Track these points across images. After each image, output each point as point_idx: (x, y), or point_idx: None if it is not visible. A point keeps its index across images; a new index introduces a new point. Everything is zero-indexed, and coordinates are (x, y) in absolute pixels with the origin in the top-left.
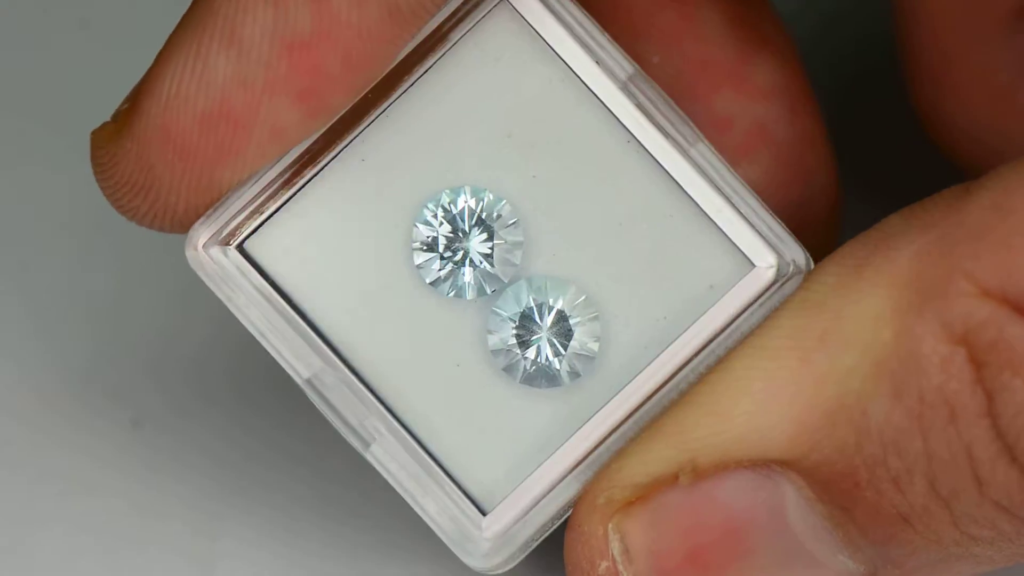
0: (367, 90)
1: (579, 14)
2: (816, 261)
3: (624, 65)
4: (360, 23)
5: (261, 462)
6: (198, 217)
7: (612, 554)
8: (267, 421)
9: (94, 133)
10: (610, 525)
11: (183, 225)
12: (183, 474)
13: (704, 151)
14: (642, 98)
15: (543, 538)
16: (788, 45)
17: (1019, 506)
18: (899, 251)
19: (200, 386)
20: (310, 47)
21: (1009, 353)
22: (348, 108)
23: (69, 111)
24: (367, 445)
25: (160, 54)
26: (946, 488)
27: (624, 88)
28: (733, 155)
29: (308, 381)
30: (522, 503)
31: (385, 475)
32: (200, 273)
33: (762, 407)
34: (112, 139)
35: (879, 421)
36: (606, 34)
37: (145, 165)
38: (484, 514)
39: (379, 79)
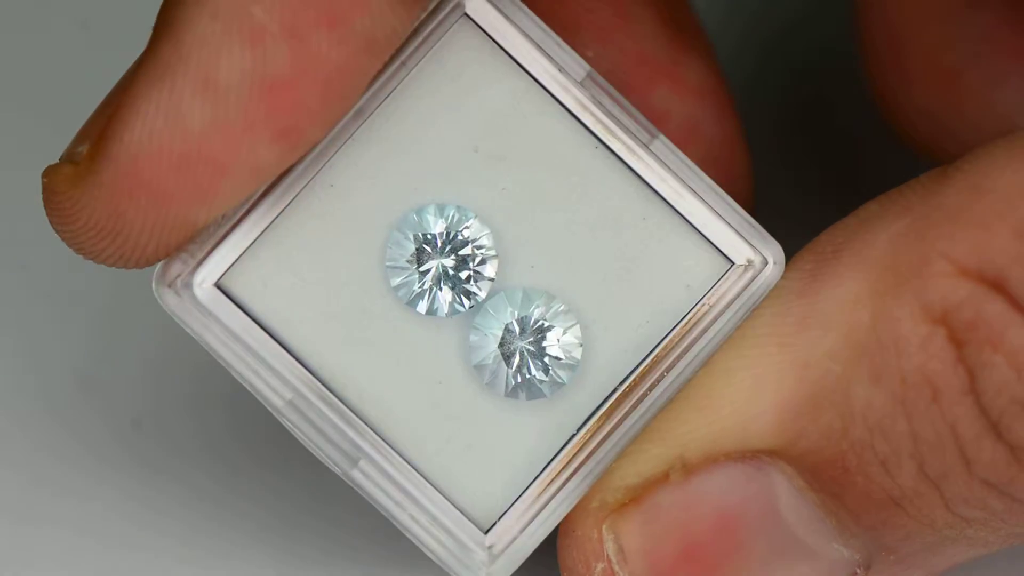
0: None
1: (535, 21)
2: None
3: (578, 67)
4: (339, 59)
5: (259, 463)
6: (167, 255)
7: (607, 556)
8: (266, 423)
9: (48, 175)
10: (604, 527)
11: (151, 262)
12: (180, 477)
13: (663, 146)
14: (604, 99)
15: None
16: (710, 50)
17: (1007, 483)
18: (876, 235)
19: (199, 390)
20: (289, 87)
21: (988, 330)
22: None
23: (69, 111)
24: (353, 465)
25: (122, 96)
26: (935, 469)
27: (584, 89)
28: None
29: (289, 403)
30: (523, 518)
31: (372, 498)
32: (171, 313)
33: (747, 397)
34: (73, 184)
35: (862, 404)
36: (558, 38)
37: (114, 211)
38: (484, 531)
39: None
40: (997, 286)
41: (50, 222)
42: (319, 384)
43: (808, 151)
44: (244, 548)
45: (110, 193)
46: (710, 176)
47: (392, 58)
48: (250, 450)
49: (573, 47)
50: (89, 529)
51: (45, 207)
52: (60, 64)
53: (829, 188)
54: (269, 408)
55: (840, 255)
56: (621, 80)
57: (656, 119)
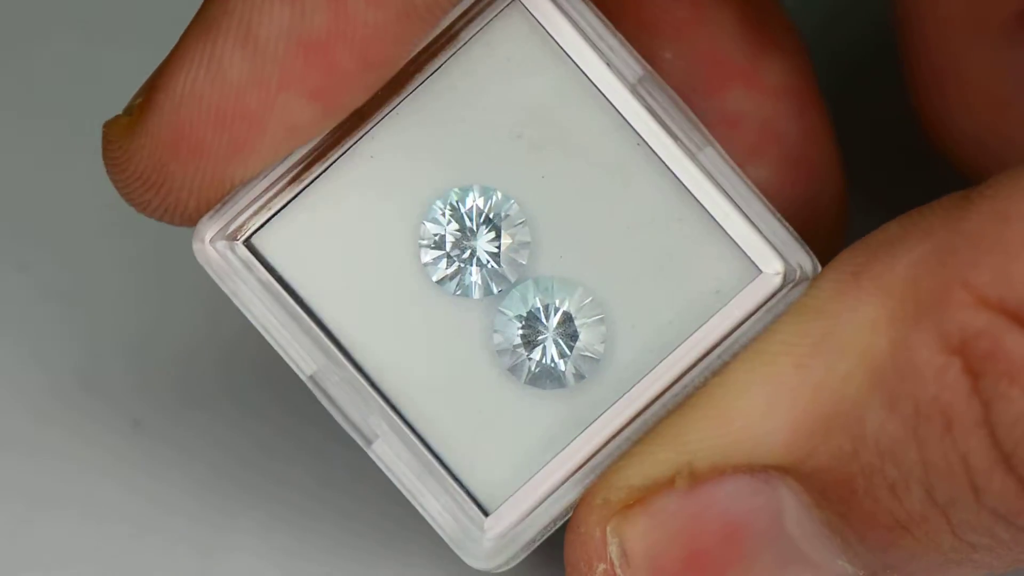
0: (380, 87)
1: (591, 15)
2: (823, 261)
3: (635, 67)
4: (377, 23)
5: (260, 462)
6: (208, 211)
7: (610, 557)
8: (267, 421)
9: (107, 126)
10: (608, 528)
11: (192, 219)
12: (183, 473)
13: (713, 155)
14: (651, 101)
15: (544, 538)
16: (798, 45)
17: (1016, 514)
18: (897, 259)
19: (201, 385)
20: (326, 47)
21: (1006, 363)
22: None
23: (69, 111)
24: (369, 442)
25: (174, 51)
26: (943, 496)
27: (634, 90)
28: (742, 154)
29: (312, 377)
30: (525, 504)
31: (387, 472)
32: (206, 267)
33: (759, 412)
34: (125, 134)
35: (875, 430)
36: (618, 35)
37: (158, 161)
38: (486, 514)
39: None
40: (1017, 317)
41: (106, 171)
42: (341, 356)
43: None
44: (244, 549)
45: (155, 143)
46: (789, 178)
47: (439, 36)
48: (251, 448)
49: (649, 48)
50: (91, 528)
51: (103, 157)
52: (60, 63)
53: (861, 190)
54: (298, 374)
55: (860, 277)
56: (695, 81)
57: (729, 122)
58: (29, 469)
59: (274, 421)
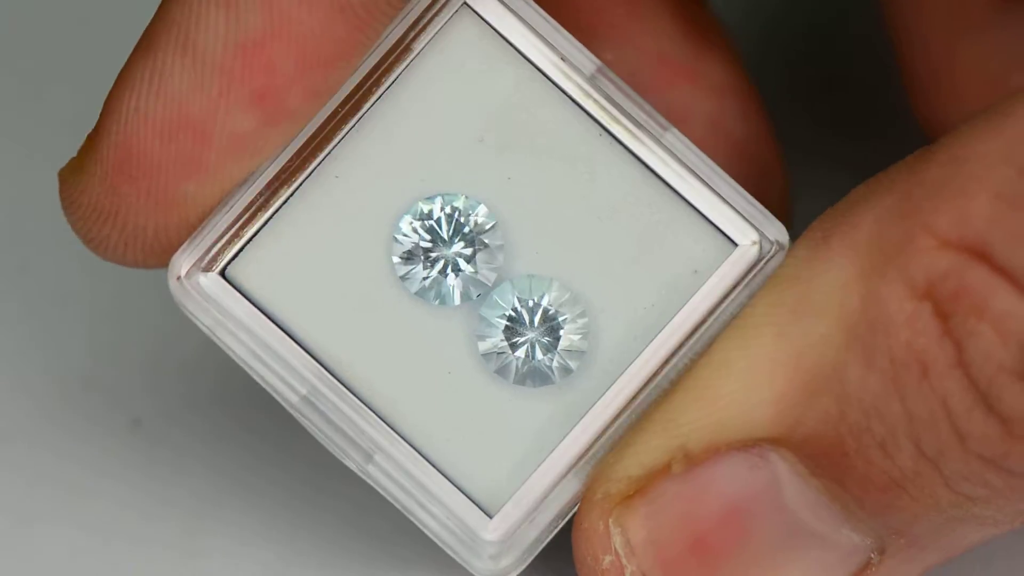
0: (332, 101)
1: (540, 14)
2: None
3: (587, 61)
4: (310, 21)
5: (259, 464)
6: (169, 243)
7: (615, 548)
8: (267, 424)
9: (61, 171)
10: (611, 520)
11: (155, 253)
12: (182, 473)
13: (675, 138)
14: (611, 90)
15: (549, 538)
16: (732, 48)
17: (1002, 457)
18: (862, 216)
19: (198, 389)
20: (262, 46)
21: (972, 299)
22: (317, 123)
23: (69, 111)
24: (369, 459)
25: (120, 75)
26: (932, 448)
27: (590, 82)
28: None
29: (304, 399)
30: (526, 503)
31: (384, 491)
32: (184, 303)
33: (745, 387)
34: (77, 169)
35: (857, 388)
36: (566, 32)
37: (110, 187)
38: (490, 517)
39: (343, 87)
40: (979, 253)
41: (65, 216)
42: (331, 377)
43: (840, 148)
44: (240, 554)
45: (104, 168)
46: (737, 172)
47: (392, 49)
48: (251, 447)
49: (591, 50)
50: (91, 528)
51: (60, 201)
52: (60, 63)
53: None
54: (283, 403)
55: (829, 240)
56: (641, 80)
57: (677, 118)
58: (29, 466)
59: (274, 423)
